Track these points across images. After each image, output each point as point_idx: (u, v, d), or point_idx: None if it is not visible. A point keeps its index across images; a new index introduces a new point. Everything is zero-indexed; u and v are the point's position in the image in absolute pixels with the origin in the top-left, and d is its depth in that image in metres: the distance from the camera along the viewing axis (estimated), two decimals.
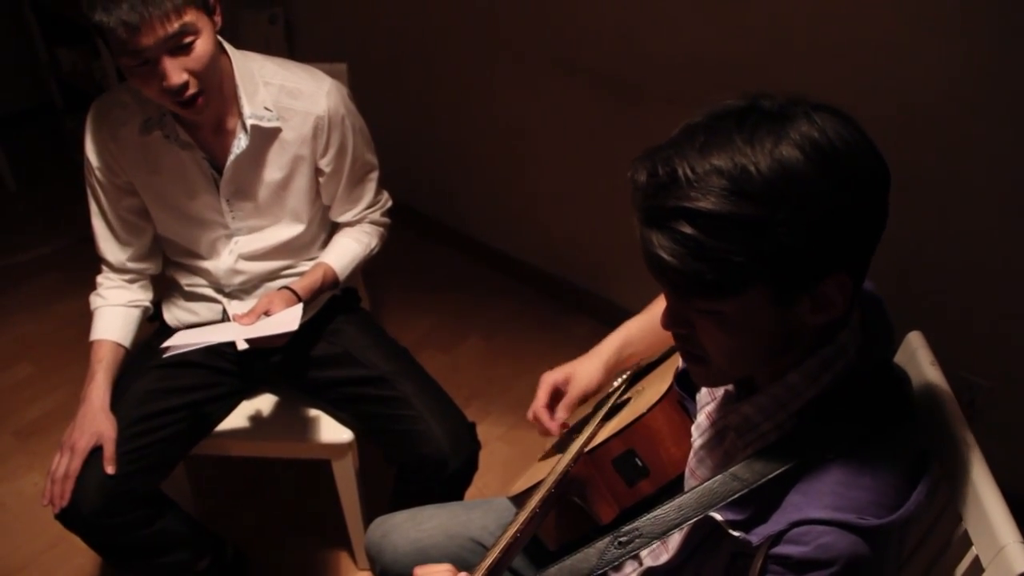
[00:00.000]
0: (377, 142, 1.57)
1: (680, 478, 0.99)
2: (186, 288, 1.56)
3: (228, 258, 1.50)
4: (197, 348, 1.33)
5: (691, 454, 0.96)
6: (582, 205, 2.39)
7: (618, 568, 1.01)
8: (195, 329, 1.49)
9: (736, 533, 0.78)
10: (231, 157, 1.40)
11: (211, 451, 1.57)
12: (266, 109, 1.40)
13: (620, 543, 0.84)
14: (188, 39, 1.23)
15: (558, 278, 2.59)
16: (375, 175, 1.58)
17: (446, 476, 1.45)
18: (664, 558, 0.92)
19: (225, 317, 1.54)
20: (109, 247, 1.50)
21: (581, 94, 2.21)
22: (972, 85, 1.57)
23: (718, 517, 0.79)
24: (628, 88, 2.10)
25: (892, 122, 1.63)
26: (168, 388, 1.46)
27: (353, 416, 1.56)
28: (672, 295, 0.78)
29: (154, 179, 1.43)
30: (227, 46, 1.38)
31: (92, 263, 1.53)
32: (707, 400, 0.95)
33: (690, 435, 0.97)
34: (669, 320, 0.81)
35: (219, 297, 1.55)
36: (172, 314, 1.57)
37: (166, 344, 1.33)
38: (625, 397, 1.17)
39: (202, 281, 1.55)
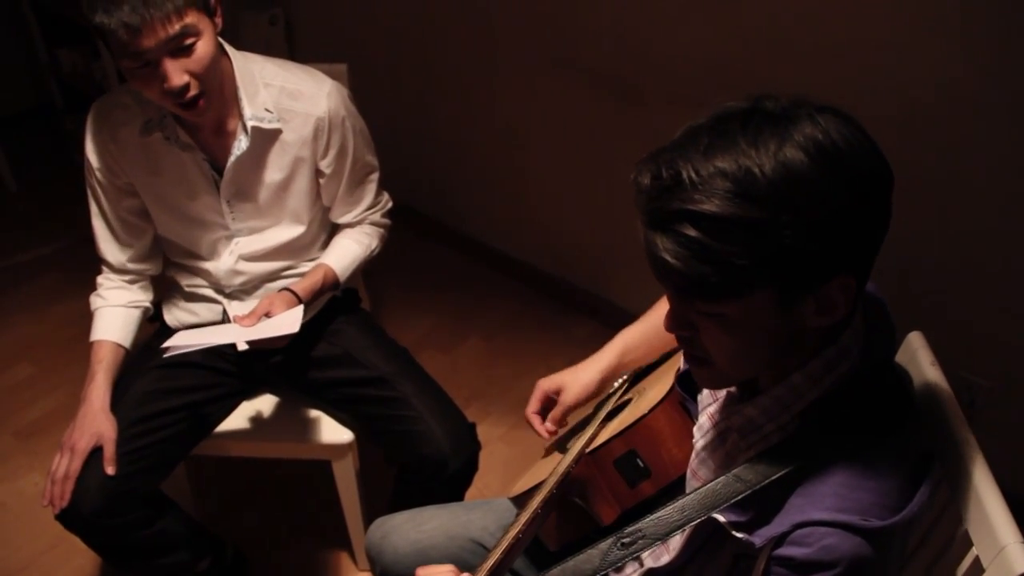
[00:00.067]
0: (377, 142, 1.57)
1: (681, 479, 0.99)
2: (186, 289, 1.56)
3: (228, 259, 1.50)
4: (197, 349, 1.33)
5: (693, 455, 0.96)
6: (582, 205, 2.39)
7: (619, 569, 1.01)
8: (196, 330, 1.49)
9: (739, 535, 0.78)
10: (231, 158, 1.40)
11: (211, 451, 1.57)
12: (267, 110, 1.40)
13: (623, 544, 0.84)
14: (189, 41, 1.23)
15: (558, 278, 2.59)
16: (375, 176, 1.58)
17: (446, 477, 1.45)
18: (665, 559, 0.92)
19: (225, 318, 1.54)
20: (109, 248, 1.49)
21: (581, 94, 2.21)
22: (972, 85, 1.57)
23: (721, 518, 0.79)
24: (628, 88, 2.10)
25: (892, 122, 1.63)
26: (168, 389, 1.46)
27: (353, 417, 1.57)
28: (676, 297, 0.78)
29: (154, 180, 1.43)
30: (228, 47, 1.38)
31: (92, 263, 1.53)
32: (709, 401, 0.95)
33: (692, 436, 0.97)
34: (673, 323, 0.80)
35: (219, 298, 1.55)
36: (172, 315, 1.57)
37: (166, 344, 1.32)
38: (626, 398, 1.17)
39: (202, 282, 1.54)
